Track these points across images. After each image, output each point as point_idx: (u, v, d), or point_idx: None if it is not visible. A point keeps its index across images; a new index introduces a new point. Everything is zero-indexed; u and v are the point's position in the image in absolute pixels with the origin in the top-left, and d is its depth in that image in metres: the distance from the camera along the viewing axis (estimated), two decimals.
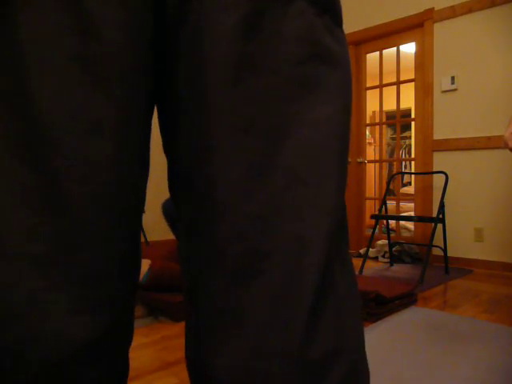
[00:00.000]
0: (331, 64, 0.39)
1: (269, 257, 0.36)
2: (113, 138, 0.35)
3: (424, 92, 3.47)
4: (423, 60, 3.48)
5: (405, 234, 3.98)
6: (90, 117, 0.33)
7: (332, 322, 0.38)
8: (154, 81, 0.39)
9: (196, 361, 0.40)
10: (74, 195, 0.33)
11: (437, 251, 3.23)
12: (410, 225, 3.91)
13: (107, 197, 0.35)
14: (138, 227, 0.40)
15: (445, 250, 3.01)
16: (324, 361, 0.37)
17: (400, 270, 3.11)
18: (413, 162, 3.92)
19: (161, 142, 0.42)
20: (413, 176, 4.62)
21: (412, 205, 3.92)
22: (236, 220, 0.36)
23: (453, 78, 3.26)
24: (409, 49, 4.05)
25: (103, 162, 0.34)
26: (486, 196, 3.12)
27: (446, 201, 2.97)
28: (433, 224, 2.98)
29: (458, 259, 3.24)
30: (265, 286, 0.36)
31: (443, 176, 3.01)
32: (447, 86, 3.30)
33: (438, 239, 3.07)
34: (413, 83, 3.63)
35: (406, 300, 2.17)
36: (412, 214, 3.92)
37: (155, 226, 3.65)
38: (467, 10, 3.15)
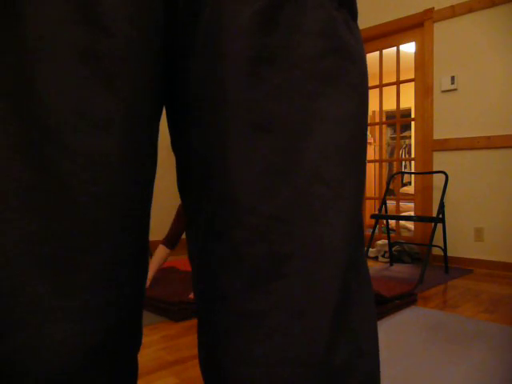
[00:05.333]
0: (350, 59, 0.38)
1: (290, 259, 0.35)
2: (121, 137, 0.33)
3: (424, 92, 3.47)
4: (423, 60, 3.48)
5: (405, 233, 3.98)
6: (98, 114, 0.32)
7: (354, 327, 0.37)
8: (165, 78, 0.38)
9: (214, 368, 0.38)
10: (79, 196, 0.32)
11: (437, 251, 3.22)
12: (410, 225, 3.91)
13: (114, 197, 0.34)
14: (145, 228, 0.39)
15: (445, 249, 3.01)
16: (346, 366, 0.36)
17: (400, 269, 3.10)
18: (413, 162, 3.92)
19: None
20: (413, 176, 4.62)
21: (412, 205, 3.92)
22: (255, 221, 0.35)
23: (453, 77, 3.26)
24: (409, 49, 4.04)
25: (110, 161, 0.33)
26: (486, 196, 3.12)
27: (445, 201, 2.97)
28: (433, 224, 2.98)
29: (457, 259, 3.24)
30: (286, 290, 0.35)
31: (443, 176, 3.01)
32: (447, 85, 3.30)
33: (437, 239, 3.07)
34: (413, 83, 3.63)
35: (405, 300, 2.17)
36: (412, 213, 3.92)
37: (156, 226, 3.65)
38: (467, 9, 3.15)
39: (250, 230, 0.35)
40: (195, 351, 1.60)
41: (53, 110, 0.31)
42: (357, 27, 0.40)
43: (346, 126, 0.37)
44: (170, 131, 0.41)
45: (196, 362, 1.51)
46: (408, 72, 3.76)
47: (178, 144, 0.40)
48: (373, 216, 3.05)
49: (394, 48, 3.74)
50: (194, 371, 1.44)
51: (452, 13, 3.21)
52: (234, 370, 0.36)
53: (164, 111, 1.25)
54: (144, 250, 0.40)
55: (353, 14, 0.40)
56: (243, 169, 0.34)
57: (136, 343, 0.40)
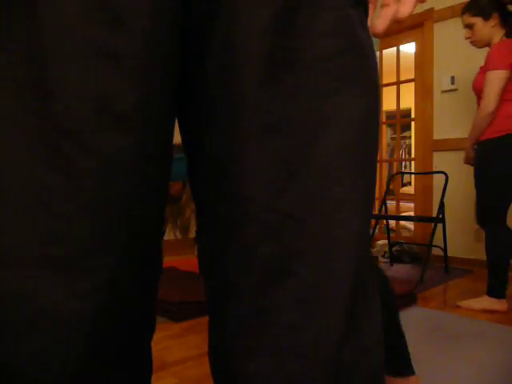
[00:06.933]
0: (364, 57, 0.38)
1: (302, 256, 0.35)
2: (138, 135, 0.33)
3: (424, 92, 3.47)
4: (423, 60, 3.47)
5: (405, 233, 3.98)
6: (115, 112, 0.32)
7: (363, 322, 0.38)
8: (179, 79, 0.37)
9: (224, 363, 0.38)
10: (94, 195, 0.32)
11: (437, 251, 3.22)
12: (410, 225, 3.91)
13: (129, 197, 0.34)
14: (160, 227, 0.39)
15: (445, 249, 3.00)
16: (353, 363, 0.36)
17: (400, 269, 3.10)
18: (413, 162, 3.91)
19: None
20: (413, 176, 4.61)
21: (412, 205, 3.91)
22: (268, 219, 0.35)
23: (453, 77, 3.26)
24: (409, 49, 4.04)
25: (127, 160, 0.33)
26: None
27: (445, 201, 2.96)
28: (433, 224, 2.98)
29: (457, 259, 3.24)
30: (298, 286, 0.35)
31: (443, 176, 3.01)
32: (447, 85, 3.30)
33: (437, 239, 3.07)
34: (413, 83, 3.63)
35: (405, 300, 2.17)
36: (412, 214, 3.92)
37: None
38: None
39: (263, 228, 0.35)
40: (195, 351, 1.60)
41: (69, 108, 0.30)
42: (367, 24, 0.41)
43: (360, 124, 0.37)
44: (180, 131, 0.41)
45: (196, 362, 1.51)
46: (408, 72, 3.75)
47: (190, 144, 0.40)
48: (373, 216, 3.05)
49: (394, 48, 3.74)
50: (194, 371, 1.44)
51: (452, 13, 3.21)
52: (244, 365, 0.36)
53: None
54: (159, 246, 0.40)
55: (366, 10, 0.40)
56: (257, 168, 0.35)
57: (148, 337, 0.40)
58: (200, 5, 0.35)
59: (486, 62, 2.09)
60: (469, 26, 2.17)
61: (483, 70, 2.14)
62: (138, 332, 0.38)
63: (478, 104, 2.17)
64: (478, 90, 2.16)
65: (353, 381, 0.37)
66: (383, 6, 0.40)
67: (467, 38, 2.23)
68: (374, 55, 0.40)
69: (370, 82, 0.38)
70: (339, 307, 0.36)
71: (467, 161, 2.29)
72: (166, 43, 0.34)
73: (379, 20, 0.39)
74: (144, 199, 0.35)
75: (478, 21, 2.12)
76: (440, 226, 2.98)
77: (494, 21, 2.10)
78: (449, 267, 3.03)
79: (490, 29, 2.12)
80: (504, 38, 2.11)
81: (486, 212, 2.13)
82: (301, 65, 0.35)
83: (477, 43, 2.21)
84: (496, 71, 2.01)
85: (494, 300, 2.11)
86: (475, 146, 2.18)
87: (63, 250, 0.31)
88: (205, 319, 1.79)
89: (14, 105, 0.30)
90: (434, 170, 3.35)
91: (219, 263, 0.38)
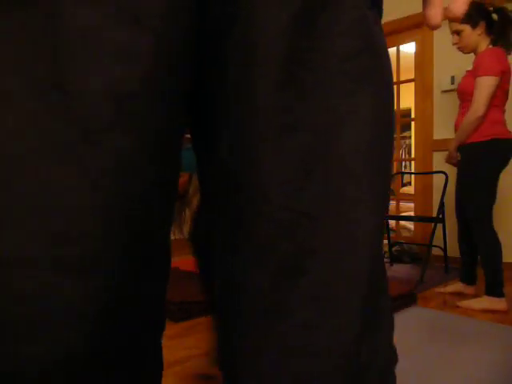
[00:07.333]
0: (378, 58, 0.38)
1: (316, 255, 0.35)
2: (155, 137, 0.33)
3: (424, 92, 3.47)
4: (423, 60, 3.48)
5: (405, 233, 3.98)
6: (135, 113, 0.32)
7: (378, 322, 0.38)
8: (192, 82, 0.38)
9: (231, 364, 0.38)
10: (109, 196, 0.32)
11: (437, 251, 3.22)
12: (410, 225, 3.91)
13: (142, 199, 0.34)
14: (168, 228, 0.40)
15: (445, 249, 3.00)
16: (369, 362, 0.37)
17: (400, 269, 3.10)
18: (413, 162, 3.91)
19: None
20: (413, 176, 4.62)
21: (412, 205, 3.92)
22: (284, 218, 0.35)
23: (453, 77, 3.26)
24: (409, 49, 4.04)
25: (138, 158, 0.33)
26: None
27: (445, 201, 2.96)
28: (433, 224, 2.98)
29: (457, 259, 3.24)
30: (312, 285, 0.35)
31: (443, 176, 3.01)
32: (447, 85, 3.30)
33: (437, 239, 3.07)
34: (413, 83, 3.63)
35: (406, 300, 2.17)
36: (412, 213, 3.92)
37: None
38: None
39: (277, 227, 0.35)
40: (195, 351, 1.60)
41: (89, 108, 0.30)
42: (381, 23, 0.41)
43: (376, 124, 0.37)
44: (192, 133, 0.41)
45: (196, 362, 1.51)
46: (408, 72, 3.76)
47: (202, 145, 0.40)
48: None
49: (394, 48, 3.74)
50: (194, 371, 1.44)
51: None
52: (251, 365, 0.36)
53: None
54: (167, 251, 0.40)
55: (380, 12, 0.41)
56: (274, 170, 0.35)
57: (158, 335, 0.41)
58: (216, 8, 0.35)
59: (476, 67, 2.18)
60: (457, 32, 2.29)
61: (471, 74, 2.24)
62: (141, 332, 0.38)
63: (463, 106, 2.30)
64: (464, 93, 2.27)
65: (364, 381, 0.37)
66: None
67: (454, 44, 2.35)
68: (388, 55, 0.40)
69: (384, 82, 0.38)
70: (354, 306, 0.36)
71: (449, 160, 2.41)
72: (182, 46, 0.34)
73: (435, 13, 0.39)
74: (155, 201, 0.35)
75: (466, 28, 2.24)
76: (440, 225, 2.98)
77: (480, 29, 2.22)
78: (449, 267, 3.03)
79: (476, 36, 2.24)
80: (490, 46, 2.22)
81: (473, 212, 2.25)
82: (319, 65, 0.35)
83: (463, 49, 2.32)
84: (487, 77, 2.11)
85: (494, 299, 2.15)
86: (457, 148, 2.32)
87: (77, 249, 0.31)
88: (205, 319, 1.80)
89: (34, 104, 0.30)
90: (434, 170, 3.35)
91: (229, 262, 0.38)
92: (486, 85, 2.12)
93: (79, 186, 0.31)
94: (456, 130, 2.34)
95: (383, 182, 0.39)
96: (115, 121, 0.31)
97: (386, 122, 0.38)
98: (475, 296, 2.33)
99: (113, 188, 0.32)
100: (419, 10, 3.60)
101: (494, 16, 2.25)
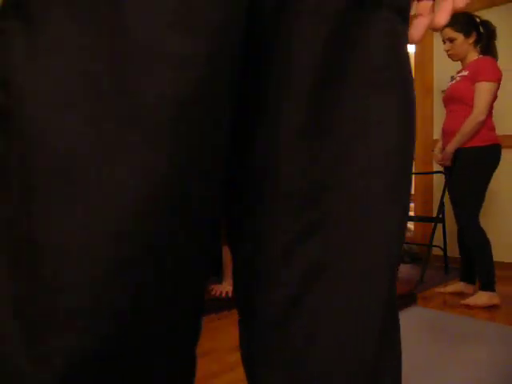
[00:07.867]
0: (407, 69, 0.41)
1: (341, 259, 0.37)
2: (209, 139, 0.34)
3: (424, 92, 3.47)
4: (423, 60, 3.48)
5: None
6: (186, 118, 0.32)
7: (391, 329, 0.40)
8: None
9: (248, 371, 0.41)
10: (166, 193, 0.32)
11: (437, 251, 3.22)
12: (410, 225, 3.91)
13: (198, 198, 0.34)
14: (218, 225, 0.40)
15: (445, 249, 3.01)
16: (381, 371, 0.39)
17: (400, 269, 3.10)
18: (413, 162, 3.91)
19: None
20: (413, 176, 4.62)
21: (412, 205, 3.92)
22: (305, 222, 0.37)
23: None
24: (409, 49, 4.05)
25: (194, 162, 0.33)
26: (486, 195, 3.11)
27: (445, 201, 2.96)
28: (433, 224, 2.98)
29: (457, 259, 3.24)
30: (338, 292, 0.37)
31: (443, 176, 3.01)
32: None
33: (437, 239, 3.07)
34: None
35: (406, 300, 2.17)
36: (412, 213, 3.92)
37: None
38: (467, 9, 3.15)
39: (300, 233, 0.37)
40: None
41: (149, 113, 0.31)
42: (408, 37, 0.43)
43: (400, 130, 0.39)
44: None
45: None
46: None
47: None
48: None
49: None
50: None
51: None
52: (263, 376, 0.39)
53: None
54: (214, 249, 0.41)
55: (408, 26, 0.43)
56: (296, 177, 0.37)
57: (195, 336, 0.41)
58: (260, 24, 0.36)
59: (475, 73, 2.25)
60: (450, 40, 2.37)
61: (467, 80, 2.31)
62: (171, 338, 0.37)
63: (453, 110, 2.38)
64: (459, 98, 2.34)
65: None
66: (418, 15, 0.42)
67: (446, 51, 2.43)
68: (410, 67, 0.43)
69: (407, 93, 0.41)
70: (378, 316, 0.38)
71: (443, 162, 2.46)
72: (230, 54, 0.34)
73: (415, 31, 0.42)
74: (209, 199, 0.36)
75: (459, 36, 2.32)
76: (440, 225, 2.98)
77: (472, 38, 2.33)
78: (449, 267, 3.04)
79: (468, 45, 2.34)
80: (481, 55, 2.33)
81: (466, 218, 2.31)
82: (349, 77, 0.37)
83: (454, 57, 2.42)
84: (489, 83, 2.21)
85: (491, 294, 2.23)
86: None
87: (138, 247, 0.31)
88: (205, 319, 1.79)
89: (98, 107, 0.30)
90: (434, 170, 3.35)
91: (257, 265, 0.39)
92: (488, 90, 2.20)
93: (142, 185, 0.31)
94: (444, 134, 2.42)
95: (405, 185, 0.41)
96: (176, 124, 0.31)
97: (407, 130, 0.40)
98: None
99: (174, 188, 0.32)
100: None
101: (481, 29, 2.35)
